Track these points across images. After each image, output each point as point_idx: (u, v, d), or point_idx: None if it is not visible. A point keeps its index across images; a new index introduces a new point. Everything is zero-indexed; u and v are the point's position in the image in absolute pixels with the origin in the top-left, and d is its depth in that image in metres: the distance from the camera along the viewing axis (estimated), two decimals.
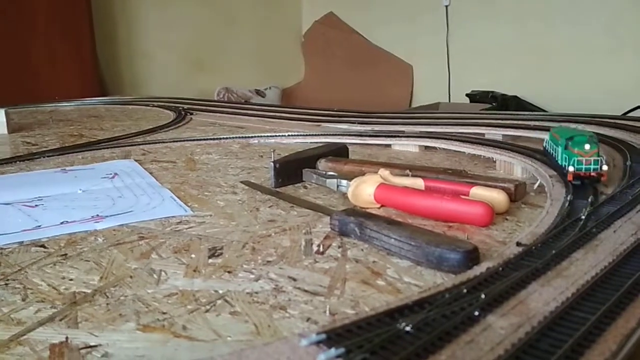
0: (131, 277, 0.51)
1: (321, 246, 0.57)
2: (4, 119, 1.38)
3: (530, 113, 1.50)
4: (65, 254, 0.57)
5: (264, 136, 1.20)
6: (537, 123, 1.12)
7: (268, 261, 0.54)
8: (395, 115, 1.49)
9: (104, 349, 0.39)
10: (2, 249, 0.59)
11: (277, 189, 0.79)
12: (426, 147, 1.07)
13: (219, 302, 0.46)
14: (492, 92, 2.73)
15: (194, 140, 1.20)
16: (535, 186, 0.75)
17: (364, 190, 0.69)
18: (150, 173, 0.91)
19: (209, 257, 0.55)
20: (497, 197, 0.65)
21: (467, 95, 2.82)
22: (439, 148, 1.04)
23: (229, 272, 0.51)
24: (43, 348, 0.39)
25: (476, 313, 0.36)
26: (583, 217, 0.56)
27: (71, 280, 0.51)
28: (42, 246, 0.59)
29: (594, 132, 0.72)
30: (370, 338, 0.32)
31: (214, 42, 3.32)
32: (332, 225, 0.61)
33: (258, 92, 3.25)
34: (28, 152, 1.12)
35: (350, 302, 0.45)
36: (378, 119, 1.37)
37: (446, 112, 1.87)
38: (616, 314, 0.36)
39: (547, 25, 2.75)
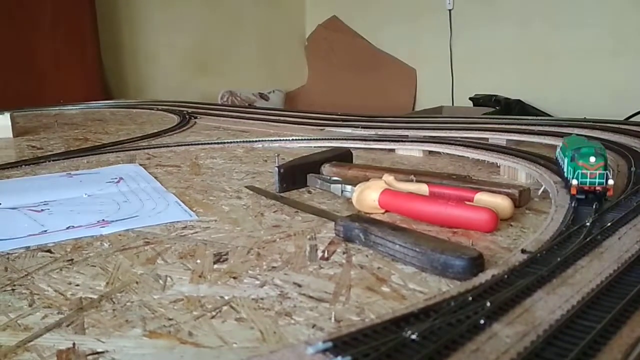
0: (137, 282, 0.51)
1: (326, 252, 0.57)
2: (10, 122, 1.39)
3: (534, 118, 1.50)
4: (72, 259, 0.57)
5: (268, 140, 1.20)
6: (541, 128, 1.12)
7: (273, 267, 0.54)
8: (399, 119, 1.50)
9: (111, 355, 0.39)
10: (8, 254, 0.59)
11: (282, 194, 0.79)
12: (430, 152, 1.07)
13: (224, 308, 0.46)
14: (496, 95, 2.74)
15: (198, 144, 1.21)
16: (540, 192, 0.75)
17: (368, 196, 0.69)
18: (155, 177, 0.91)
19: (215, 263, 0.55)
20: (502, 203, 0.65)
21: (470, 99, 2.82)
22: (443, 153, 1.04)
23: (234, 277, 0.52)
24: (50, 354, 0.39)
25: (482, 321, 0.36)
26: (588, 223, 0.56)
27: (77, 285, 0.51)
28: (49, 251, 0.60)
29: (601, 143, 0.71)
30: (376, 346, 0.33)
31: (218, 46, 3.33)
32: (336, 230, 0.61)
33: (262, 96, 3.26)
34: (33, 156, 1.12)
35: (355, 309, 0.45)
36: (382, 123, 1.38)
37: (450, 116, 1.87)
38: (621, 322, 0.36)
39: (551, 29, 2.75)
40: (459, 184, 0.74)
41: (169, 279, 0.52)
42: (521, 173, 0.85)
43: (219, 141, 1.23)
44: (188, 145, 1.20)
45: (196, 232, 0.65)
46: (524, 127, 1.16)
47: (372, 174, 0.79)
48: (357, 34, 3.57)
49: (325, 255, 0.57)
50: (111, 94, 2.81)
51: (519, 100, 2.71)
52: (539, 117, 1.75)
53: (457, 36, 3.10)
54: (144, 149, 1.18)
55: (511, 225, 0.64)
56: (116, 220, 0.69)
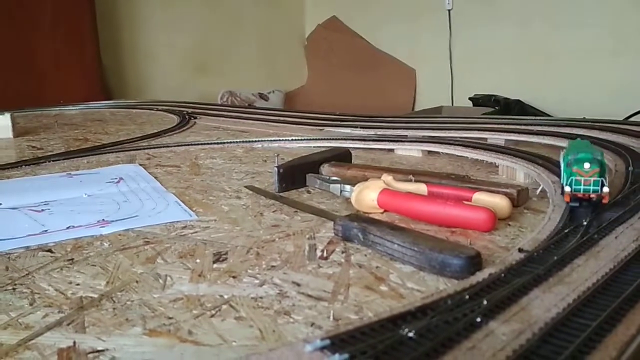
0: (137, 282, 0.51)
1: (325, 251, 0.58)
2: (10, 123, 1.39)
3: (533, 118, 1.51)
4: (72, 259, 0.57)
5: (268, 140, 1.21)
6: (539, 128, 1.13)
7: (272, 266, 0.54)
8: (398, 119, 1.50)
9: (111, 353, 0.40)
10: (9, 253, 0.60)
11: (281, 194, 0.80)
12: (429, 152, 1.07)
13: (224, 307, 0.46)
14: (495, 95, 2.74)
15: (198, 144, 1.21)
16: (538, 191, 0.75)
17: (367, 196, 0.70)
18: (155, 177, 0.92)
19: (214, 262, 0.56)
20: (500, 202, 0.65)
21: (470, 99, 2.83)
22: (442, 153, 1.04)
23: (233, 277, 0.52)
24: (51, 353, 0.40)
25: (478, 319, 0.36)
26: (585, 223, 0.56)
27: (78, 284, 0.51)
28: (49, 251, 0.60)
29: (601, 144, 0.70)
30: (373, 344, 0.33)
31: (218, 46, 3.33)
32: (335, 230, 0.61)
33: (261, 96, 3.26)
34: (33, 156, 1.13)
35: (353, 308, 0.46)
36: (381, 123, 1.38)
37: (449, 116, 1.87)
38: (617, 320, 0.36)
39: (550, 29, 2.76)
40: (458, 183, 0.75)
41: (168, 278, 0.52)
42: (519, 173, 0.85)
43: (219, 141, 1.23)
44: (188, 145, 1.20)
45: (196, 232, 0.65)
46: (522, 127, 1.16)
47: (371, 174, 0.80)
48: (356, 34, 3.57)
49: (324, 254, 0.57)
50: (111, 94, 2.82)
51: (519, 101, 2.72)
52: (538, 117, 1.75)
53: (457, 36, 3.11)
54: (143, 149, 1.18)
55: (509, 225, 0.64)
56: (116, 220, 0.69)
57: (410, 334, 0.34)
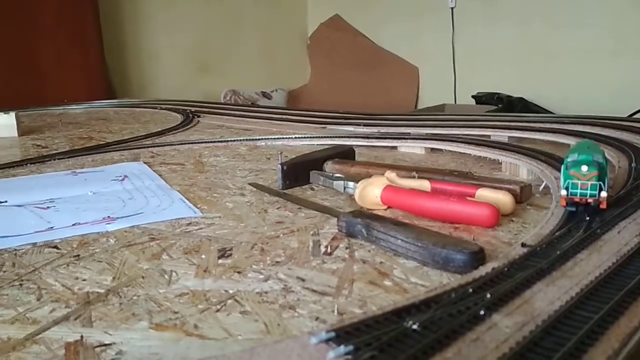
0: (143, 277, 0.52)
1: (329, 247, 0.58)
2: (15, 122, 1.40)
3: (536, 115, 1.51)
4: (78, 255, 0.58)
5: (271, 138, 1.21)
6: (542, 125, 1.13)
7: (277, 262, 0.55)
8: (401, 117, 1.50)
9: (118, 347, 0.40)
10: (16, 250, 0.60)
11: (285, 191, 0.80)
12: (432, 149, 1.07)
13: (229, 301, 0.46)
14: (498, 93, 2.74)
15: (202, 142, 1.21)
16: (541, 188, 0.75)
17: (370, 192, 0.70)
18: (160, 175, 0.92)
19: (219, 258, 0.56)
20: (503, 198, 0.65)
21: (472, 96, 2.83)
22: (445, 150, 1.04)
23: (238, 272, 0.52)
24: (58, 347, 0.40)
25: (482, 312, 0.37)
26: (587, 218, 0.56)
27: (84, 280, 0.52)
28: (55, 247, 0.60)
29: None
30: (378, 336, 0.33)
31: (220, 45, 3.33)
32: (339, 226, 0.62)
33: (264, 95, 3.27)
34: (38, 155, 1.13)
35: (358, 302, 0.46)
36: (384, 121, 1.38)
37: (452, 114, 1.87)
38: (619, 313, 0.37)
39: (552, 27, 2.75)
40: (461, 180, 0.75)
41: (174, 273, 0.53)
42: (522, 169, 0.86)
43: (222, 139, 1.23)
44: (192, 143, 1.21)
45: (201, 229, 0.65)
46: (525, 124, 1.17)
47: (374, 171, 0.80)
48: (359, 32, 3.57)
49: (328, 250, 0.57)
50: (114, 94, 2.83)
51: (522, 98, 2.71)
52: (541, 115, 1.75)
53: (459, 34, 3.11)
54: (148, 147, 1.19)
55: (512, 221, 0.64)
56: (121, 217, 0.70)
57: (415, 327, 0.35)
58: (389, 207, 0.70)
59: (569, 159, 0.59)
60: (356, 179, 0.74)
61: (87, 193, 0.82)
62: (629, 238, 0.51)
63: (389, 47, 3.44)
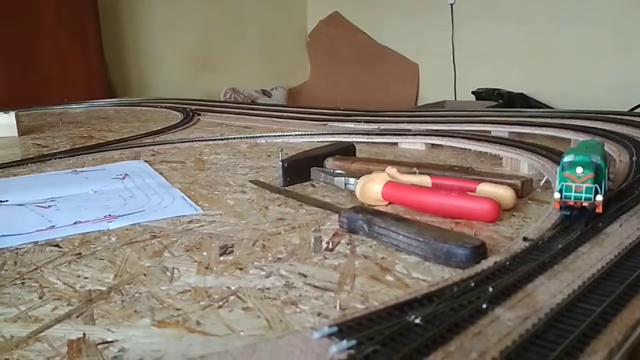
0: (145, 274, 0.52)
1: (330, 243, 0.58)
2: (14, 121, 1.40)
3: (537, 110, 1.51)
4: (80, 253, 0.58)
5: (272, 136, 1.21)
6: (543, 120, 1.13)
7: (278, 258, 0.55)
8: (402, 113, 1.50)
9: (121, 344, 0.40)
10: (17, 249, 0.60)
11: (286, 188, 0.80)
12: (433, 145, 1.07)
13: (231, 298, 0.46)
14: (498, 89, 2.73)
15: (202, 140, 1.21)
16: (542, 182, 0.75)
17: (371, 188, 0.70)
18: (160, 173, 0.92)
19: (220, 255, 0.56)
20: (504, 193, 0.65)
21: (473, 93, 2.82)
22: (446, 146, 1.04)
23: (240, 269, 0.52)
24: (61, 344, 0.40)
25: (484, 306, 0.37)
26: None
27: (86, 278, 0.52)
28: (57, 246, 0.60)
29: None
30: (380, 330, 0.33)
31: (220, 43, 3.33)
32: (340, 222, 0.62)
33: (264, 93, 3.26)
34: (39, 154, 1.13)
35: (359, 297, 0.46)
36: (384, 117, 1.38)
37: (452, 109, 1.87)
38: (621, 305, 0.37)
39: (553, 22, 2.75)
40: (462, 175, 0.75)
41: (176, 271, 0.53)
42: (523, 164, 0.85)
43: (223, 137, 1.23)
44: (192, 141, 1.21)
45: (202, 226, 0.65)
46: (526, 119, 1.16)
47: (375, 167, 0.80)
48: (358, 29, 3.57)
49: (330, 246, 0.57)
50: (115, 93, 2.82)
51: (522, 94, 2.71)
52: (542, 110, 1.75)
53: (459, 31, 3.10)
54: (148, 145, 1.19)
55: (514, 215, 0.64)
56: (123, 215, 0.70)
57: (417, 321, 0.35)
58: (390, 203, 0.70)
59: (565, 160, 0.56)
60: (357, 175, 0.73)
61: (88, 191, 0.82)
62: (631, 231, 0.51)
63: (388, 44, 3.44)
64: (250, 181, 0.84)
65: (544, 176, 0.77)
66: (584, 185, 0.54)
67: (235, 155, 1.06)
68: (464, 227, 0.61)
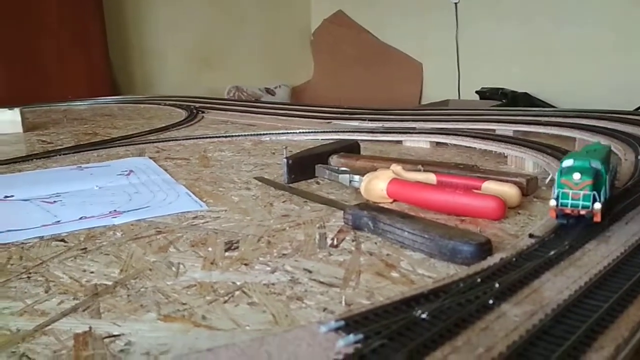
0: (150, 269, 0.52)
1: (335, 239, 0.58)
2: (19, 118, 1.40)
3: (541, 109, 1.50)
4: (85, 248, 0.58)
5: (276, 133, 1.21)
6: (548, 119, 1.13)
7: (283, 254, 0.55)
8: (406, 111, 1.50)
9: (127, 338, 0.40)
10: (23, 243, 0.60)
11: (290, 185, 0.80)
12: (437, 143, 1.07)
13: (236, 293, 0.47)
14: (502, 89, 2.73)
15: (206, 137, 1.21)
16: (547, 180, 0.75)
17: (376, 185, 0.70)
18: (165, 170, 0.92)
19: (226, 251, 0.56)
20: (509, 191, 0.65)
21: (476, 92, 2.82)
22: (450, 144, 1.04)
23: (245, 264, 0.52)
24: (67, 338, 0.40)
25: (490, 301, 0.37)
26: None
27: (92, 272, 0.52)
28: (62, 240, 0.61)
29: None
30: (387, 325, 0.33)
31: (224, 41, 3.33)
32: (345, 219, 0.62)
33: (268, 91, 3.26)
34: (44, 150, 1.13)
35: (365, 293, 0.46)
36: (388, 115, 1.38)
37: (456, 108, 1.87)
38: (628, 302, 0.37)
39: (556, 21, 2.74)
40: (467, 173, 0.75)
41: (181, 266, 0.53)
42: (528, 162, 0.85)
43: (227, 134, 1.23)
44: (196, 138, 1.21)
45: (207, 222, 0.65)
46: (530, 118, 1.16)
47: (379, 164, 0.80)
48: (362, 28, 3.56)
49: (335, 242, 0.57)
50: (119, 91, 2.83)
51: (526, 93, 2.71)
52: (546, 109, 1.75)
53: (463, 30, 3.10)
54: (152, 142, 1.19)
55: (519, 213, 0.64)
56: (128, 211, 0.70)
57: (424, 316, 0.35)
58: (394, 200, 0.70)
59: (563, 165, 0.53)
60: (362, 172, 0.73)
61: (93, 187, 0.82)
62: (637, 229, 0.51)
63: (392, 43, 3.43)
64: (255, 178, 0.84)
65: (549, 174, 0.76)
66: (582, 193, 0.50)
67: (239, 153, 1.06)
68: (469, 224, 0.61)
